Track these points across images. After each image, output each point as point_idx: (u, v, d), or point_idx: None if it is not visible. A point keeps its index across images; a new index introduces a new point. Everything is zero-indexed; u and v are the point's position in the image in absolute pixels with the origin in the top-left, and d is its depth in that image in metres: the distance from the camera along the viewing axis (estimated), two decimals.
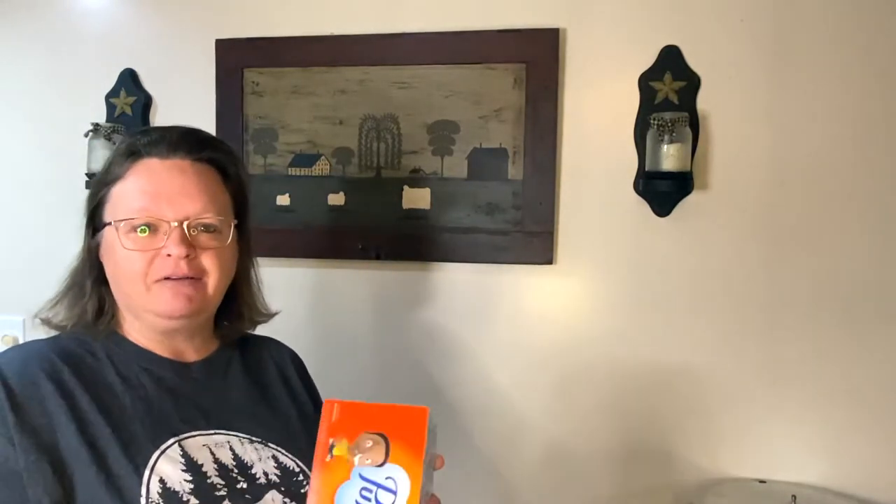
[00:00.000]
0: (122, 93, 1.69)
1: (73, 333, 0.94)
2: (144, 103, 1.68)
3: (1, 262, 1.77)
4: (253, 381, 1.03)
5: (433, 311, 1.60)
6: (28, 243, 1.74)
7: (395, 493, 0.76)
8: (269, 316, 1.09)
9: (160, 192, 0.90)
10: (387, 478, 0.77)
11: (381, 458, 0.77)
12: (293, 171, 1.62)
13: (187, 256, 0.89)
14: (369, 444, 0.78)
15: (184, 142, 0.93)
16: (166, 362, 0.95)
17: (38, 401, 0.84)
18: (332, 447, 0.78)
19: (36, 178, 1.74)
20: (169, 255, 0.89)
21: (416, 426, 0.78)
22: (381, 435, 0.78)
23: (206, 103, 1.64)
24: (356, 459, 0.77)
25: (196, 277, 0.91)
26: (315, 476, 0.78)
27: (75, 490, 0.81)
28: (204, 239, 0.92)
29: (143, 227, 0.89)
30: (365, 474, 0.77)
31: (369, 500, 0.76)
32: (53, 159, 1.73)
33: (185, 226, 0.90)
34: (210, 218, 0.92)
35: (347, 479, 0.77)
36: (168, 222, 0.89)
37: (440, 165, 1.56)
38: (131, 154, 0.92)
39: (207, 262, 0.92)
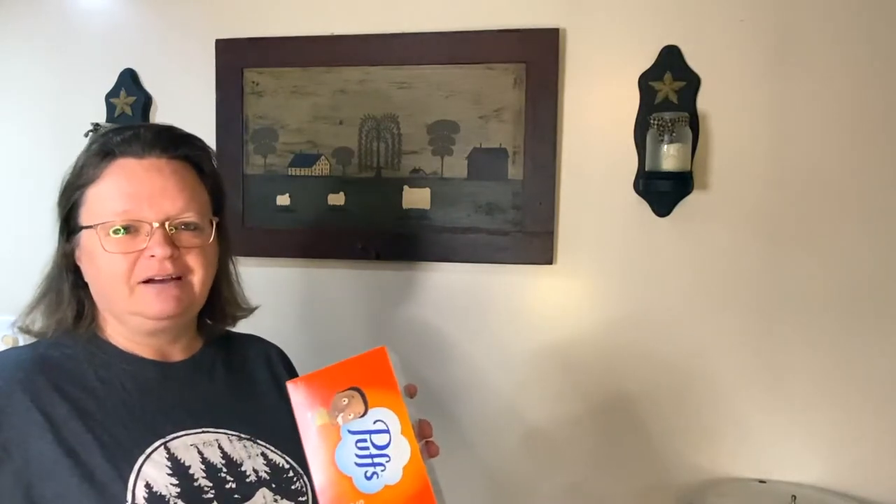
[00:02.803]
0: (122, 93, 1.69)
1: (54, 339, 0.93)
2: (144, 103, 1.68)
3: (0, 263, 1.77)
4: (239, 379, 1.03)
5: (433, 311, 1.59)
6: (28, 244, 1.74)
7: (387, 431, 0.79)
8: (250, 311, 1.08)
9: (139, 192, 0.89)
10: (375, 422, 0.80)
11: (361, 409, 0.80)
12: (293, 171, 1.62)
13: (171, 256, 0.88)
14: (345, 401, 0.80)
15: (159, 140, 0.92)
16: (150, 363, 0.94)
17: (9, 414, 0.83)
18: (312, 420, 0.81)
19: (36, 179, 1.74)
20: (153, 256, 0.88)
21: (380, 366, 0.81)
22: (353, 388, 0.81)
23: (206, 103, 1.64)
24: (339, 419, 0.80)
25: (181, 276, 0.90)
26: (309, 452, 0.80)
27: (48, 503, 0.80)
28: (186, 237, 0.91)
29: (123, 229, 0.88)
30: (353, 428, 0.80)
31: (367, 448, 0.79)
32: (53, 159, 1.71)
33: (166, 225, 0.89)
34: (191, 216, 0.91)
35: (339, 441, 0.80)
36: (149, 223, 0.88)
37: (440, 165, 1.56)
38: (105, 154, 0.91)
39: (192, 260, 0.91)
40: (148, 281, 0.89)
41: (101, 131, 0.98)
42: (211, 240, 0.94)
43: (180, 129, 0.97)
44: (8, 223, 1.77)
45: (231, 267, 1.04)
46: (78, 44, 1.72)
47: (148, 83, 1.70)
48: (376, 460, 0.79)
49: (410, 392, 0.87)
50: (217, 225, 0.96)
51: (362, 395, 0.80)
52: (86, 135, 1.61)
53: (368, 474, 0.78)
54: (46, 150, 1.74)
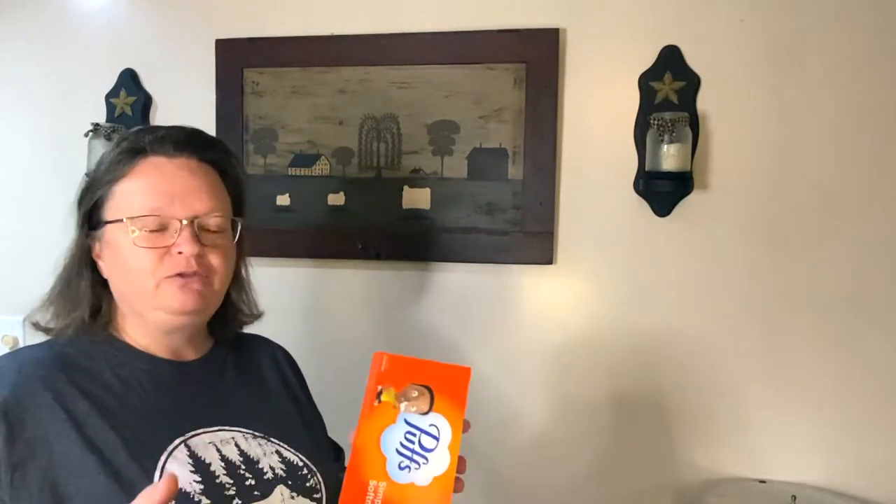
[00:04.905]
0: (122, 93, 1.69)
1: (69, 337, 0.93)
2: (144, 103, 1.68)
3: (1, 263, 1.77)
4: (249, 379, 1.04)
5: (433, 311, 1.60)
6: (28, 243, 1.74)
7: (437, 438, 0.82)
8: (257, 316, 1.09)
9: (171, 190, 0.90)
10: (430, 424, 0.83)
11: (426, 407, 0.83)
12: (293, 171, 1.62)
13: (198, 254, 0.90)
14: (415, 393, 0.83)
15: (190, 142, 0.94)
16: (165, 362, 0.94)
17: (32, 412, 0.83)
18: (379, 394, 0.82)
19: (36, 178, 1.74)
20: (180, 253, 0.89)
21: (459, 382, 0.85)
22: (426, 387, 0.83)
23: (206, 103, 1.64)
24: (402, 406, 0.82)
25: (204, 275, 0.91)
26: (362, 419, 0.82)
27: (74, 500, 0.80)
28: (211, 237, 0.93)
29: (153, 225, 0.89)
30: (410, 420, 0.82)
31: (413, 442, 0.82)
32: (53, 159, 1.73)
33: (194, 224, 0.90)
34: (218, 217, 0.93)
35: (393, 423, 0.82)
36: (178, 220, 0.89)
37: (440, 165, 1.56)
38: (136, 152, 0.92)
39: (215, 260, 0.93)
40: (173, 276, 0.89)
41: (131, 130, 0.99)
42: (234, 241, 0.96)
43: (208, 134, 1.00)
44: (8, 223, 1.77)
45: (244, 271, 1.06)
46: (78, 44, 1.72)
47: (148, 83, 1.69)
48: (415, 457, 0.81)
49: (464, 427, 0.89)
50: (238, 228, 0.97)
51: (432, 397, 0.83)
52: (86, 135, 1.62)
53: (402, 465, 0.81)
54: (46, 151, 1.74)
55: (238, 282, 1.04)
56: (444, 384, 0.84)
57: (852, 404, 1.44)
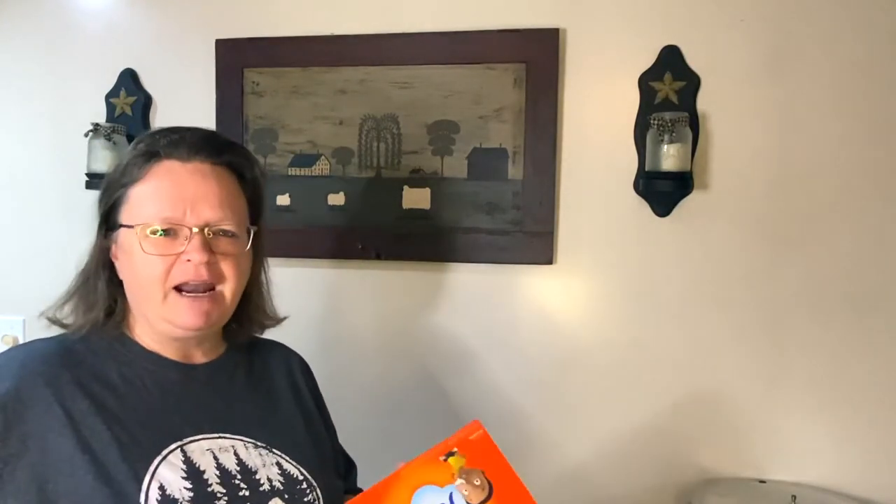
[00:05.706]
0: (122, 93, 1.69)
1: (79, 333, 0.93)
2: (144, 103, 1.68)
3: (1, 262, 1.77)
4: (259, 386, 1.02)
5: (433, 310, 1.60)
6: (28, 243, 1.74)
7: None
8: (278, 321, 1.08)
9: (182, 196, 0.89)
10: None
11: (476, 500, 0.82)
12: (293, 171, 1.62)
13: (207, 262, 0.88)
14: (478, 482, 0.82)
15: (205, 145, 0.93)
16: (172, 364, 0.94)
17: (30, 408, 0.83)
18: (451, 454, 0.83)
19: (36, 178, 1.74)
20: (189, 261, 0.88)
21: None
22: (491, 485, 0.82)
23: (206, 103, 1.64)
24: (458, 481, 0.82)
25: (214, 284, 0.90)
26: (420, 459, 0.82)
27: (60, 499, 0.80)
28: (223, 244, 0.91)
29: (163, 232, 0.88)
30: (455, 499, 0.81)
31: None
32: (53, 159, 1.73)
33: (205, 231, 0.89)
34: (229, 224, 0.92)
35: (440, 487, 0.81)
36: (189, 227, 0.88)
37: (440, 165, 1.56)
38: (151, 155, 0.91)
39: (226, 268, 0.91)
40: (181, 288, 0.89)
41: (149, 131, 0.97)
42: (247, 248, 0.94)
43: (225, 136, 0.98)
44: (8, 223, 1.77)
45: (263, 276, 1.04)
46: (78, 44, 1.72)
47: (148, 83, 1.70)
48: None
49: None
50: (253, 234, 0.96)
51: (488, 496, 0.82)
52: (86, 135, 1.62)
53: None
54: (46, 151, 1.74)
55: (257, 286, 1.03)
56: (506, 496, 0.82)
57: (852, 404, 1.44)
